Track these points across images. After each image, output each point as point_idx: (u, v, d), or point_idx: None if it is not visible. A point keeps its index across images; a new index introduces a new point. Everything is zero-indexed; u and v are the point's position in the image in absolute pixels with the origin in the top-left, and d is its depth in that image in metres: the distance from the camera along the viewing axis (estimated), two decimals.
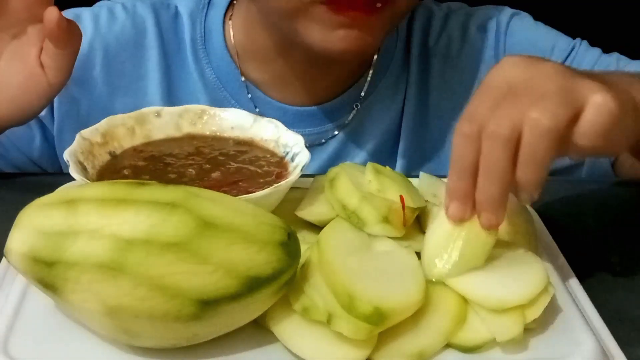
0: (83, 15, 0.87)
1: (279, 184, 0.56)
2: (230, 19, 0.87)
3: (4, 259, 0.52)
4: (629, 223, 0.71)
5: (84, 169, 0.58)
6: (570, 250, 0.62)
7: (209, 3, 0.88)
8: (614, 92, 0.51)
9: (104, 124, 0.63)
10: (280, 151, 0.64)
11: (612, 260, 0.65)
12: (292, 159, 0.62)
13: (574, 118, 0.50)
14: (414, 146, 0.89)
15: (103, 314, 0.45)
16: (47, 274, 0.47)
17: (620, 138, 0.53)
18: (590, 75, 0.54)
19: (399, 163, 0.89)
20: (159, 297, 0.44)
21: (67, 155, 0.58)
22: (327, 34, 0.73)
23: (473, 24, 0.90)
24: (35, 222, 0.48)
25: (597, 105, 0.50)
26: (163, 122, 0.66)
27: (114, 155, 0.62)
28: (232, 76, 0.87)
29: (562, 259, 0.61)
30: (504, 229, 0.59)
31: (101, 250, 0.45)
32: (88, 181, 0.56)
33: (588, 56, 0.88)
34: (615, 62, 0.87)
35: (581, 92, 0.51)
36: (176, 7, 0.88)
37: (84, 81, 0.85)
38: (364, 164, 0.63)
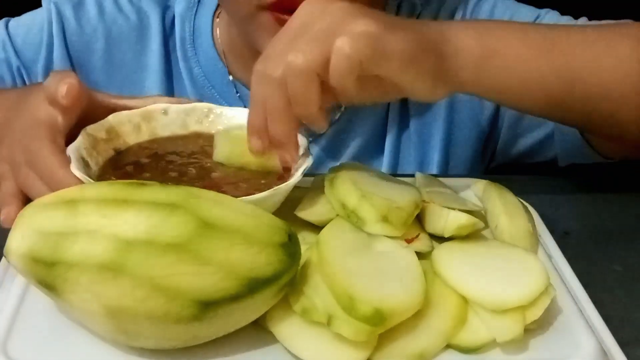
0: (87, 0, 0.88)
1: (279, 186, 0.56)
2: (218, 18, 0.88)
3: (4, 259, 0.52)
4: (630, 223, 0.71)
5: (86, 165, 0.58)
6: (571, 250, 0.62)
7: (198, 2, 0.89)
8: (376, 34, 0.54)
9: (109, 120, 0.63)
10: None
11: (613, 260, 0.65)
12: None
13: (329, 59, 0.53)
14: (400, 143, 0.89)
15: (103, 314, 0.45)
16: (47, 274, 0.47)
17: (394, 80, 0.56)
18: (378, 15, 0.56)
19: (386, 160, 0.89)
20: (159, 298, 0.44)
21: (70, 151, 0.58)
22: None
23: (443, 14, 0.89)
24: (35, 222, 0.48)
25: (336, 49, 0.53)
26: (170, 119, 0.66)
27: (118, 152, 0.62)
28: (219, 75, 0.87)
29: (562, 259, 0.61)
30: (505, 228, 0.59)
31: (101, 250, 0.45)
32: (88, 178, 0.55)
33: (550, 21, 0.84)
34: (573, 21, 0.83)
35: (338, 32, 0.53)
36: (173, 6, 0.90)
37: (83, 65, 0.87)
38: (352, 161, 0.62)
